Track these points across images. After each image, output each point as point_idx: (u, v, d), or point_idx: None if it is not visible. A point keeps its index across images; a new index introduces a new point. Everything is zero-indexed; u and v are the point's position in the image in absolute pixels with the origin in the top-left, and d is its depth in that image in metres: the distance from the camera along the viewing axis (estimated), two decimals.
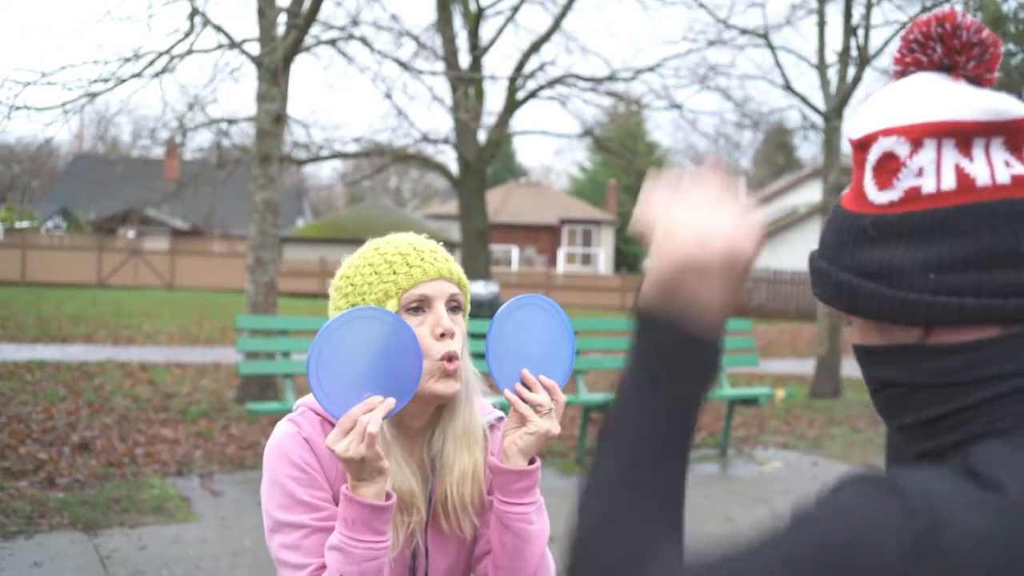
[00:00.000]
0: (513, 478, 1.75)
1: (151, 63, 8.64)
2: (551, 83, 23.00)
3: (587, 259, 44.30)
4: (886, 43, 11.25)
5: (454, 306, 1.79)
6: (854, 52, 11.43)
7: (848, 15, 11.32)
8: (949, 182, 0.91)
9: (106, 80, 8.18)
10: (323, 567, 1.66)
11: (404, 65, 12.20)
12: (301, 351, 7.30)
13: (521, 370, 1.77)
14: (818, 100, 12.60)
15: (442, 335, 1.73)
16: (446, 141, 22.70)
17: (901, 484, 0.84)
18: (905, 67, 0.99)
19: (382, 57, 11.20)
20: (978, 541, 0.80)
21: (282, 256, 33.30)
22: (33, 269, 31.36)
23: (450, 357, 1.72)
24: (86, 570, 5.03)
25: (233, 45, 8.86)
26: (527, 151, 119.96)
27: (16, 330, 16.56)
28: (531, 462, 1.77)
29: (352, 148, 20.84)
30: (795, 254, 35.32)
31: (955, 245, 0.89)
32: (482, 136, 23.50)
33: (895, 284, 0.92)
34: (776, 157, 53.83)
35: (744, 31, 13.23)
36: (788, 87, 12.09)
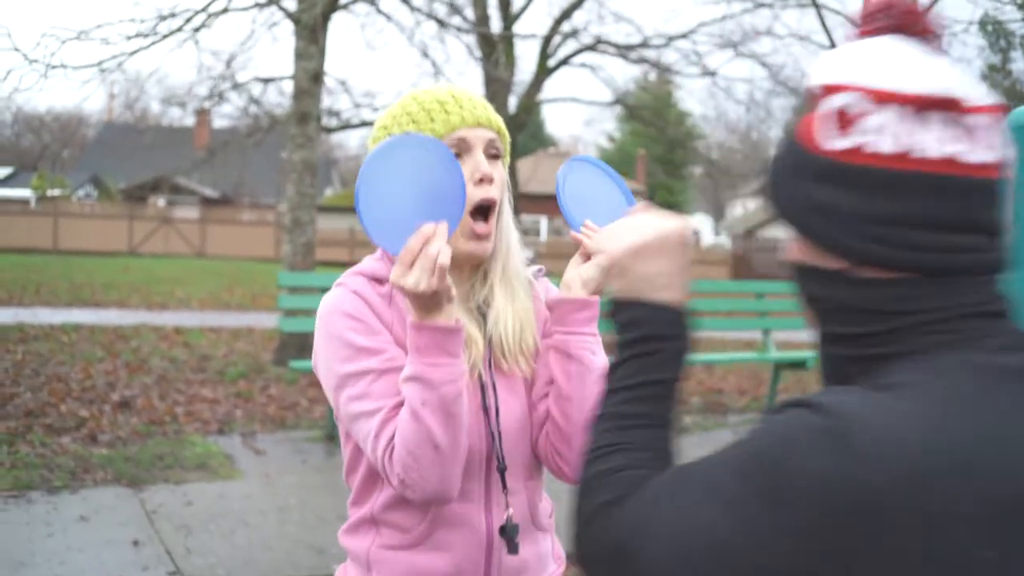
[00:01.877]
0: (575, 307, 1.74)
1: (188, 20, 8.53)
2: (583, 50, 22.75)
3: None
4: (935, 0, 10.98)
5: (493, 153, 1.75)
6: None
7: None
8: (897, 146, 1.02)
9: (144, 36, 8.08)
10: (397, 407, 1.61)
11: (441, 22, 12.02)
12: None
13: (585, 219, 1.82)
14: None
15: (480, 180, 1.69)
16: None
17: (821, 401, 0.99)
18: (869, 33, 1.10)
19: (419, 16, 11.02)
20: (887, 441, 0.93)
21: None
22: (65, 237, 31.53)
23: (484, 208, 1.70)
24: (132, 524, 4.98)
25: (270, 2, 8.73)
26: (556, 121, 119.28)
27: (50, 295, 16.61)
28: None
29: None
30: None
31: (893, 203, 1.02)
32: (512, 104, 23.31)
33: (834, 223, 1.05)
34: None
35: None
36: (834, 47, 11.82)
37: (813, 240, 1.09)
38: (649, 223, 1.27)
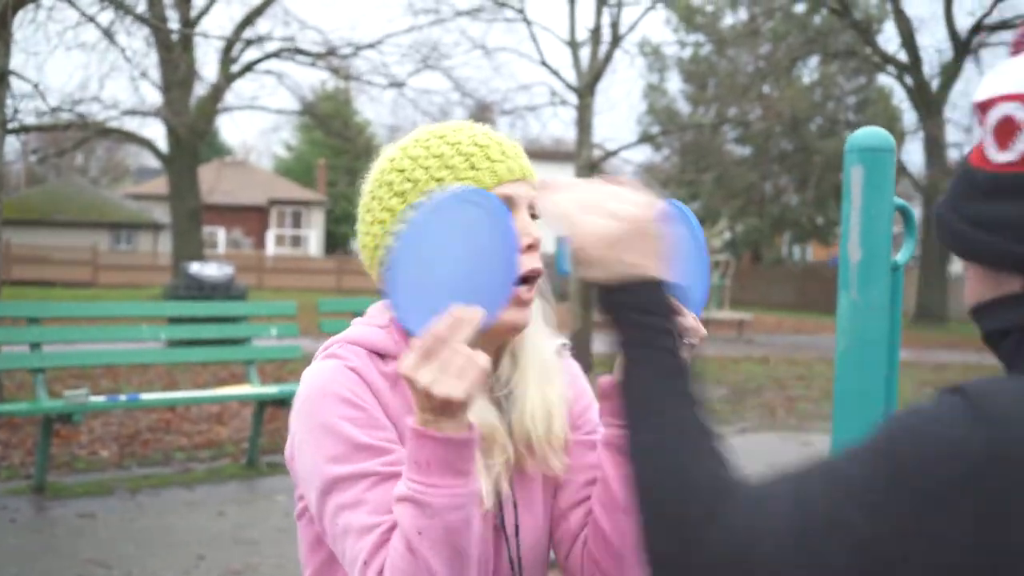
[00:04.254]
0: None
1: None
2: (268, 56, 22.09)
3: (297, 241, 43.27)
4: (636, 22, 11.58)
5: (532, 215, 1.45)
6: (607, 30, 11.67)
7: None
8: None
9: None
10: (396, 526, 1.27)
11: (142, 19, 11.05)
12: (54, 341, 6.39)
13: None
14: (556, 80, 12.70)
15: (529, 247, 1.40)
16: (156, 115, 21.17)
17: (976, 390, 0.93)
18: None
19: (105, 7, 10.07)
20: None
21: None
22: None
23: (529, 278, 1.40)
24: None
25: None
26: (230, 129, 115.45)
27: None
28: None
29: (47, 120, 18.92)
30: None
31: None
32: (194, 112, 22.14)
33: (1007, 237, 1.02)
34: None
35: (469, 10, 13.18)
36: (544, 63, 12.14)
37: (987, 262, 1.05)
38: (619, 203, 1.13)
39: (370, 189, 1.48)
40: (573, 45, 11.85)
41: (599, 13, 11.58)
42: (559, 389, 1.50)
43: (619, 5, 11.67)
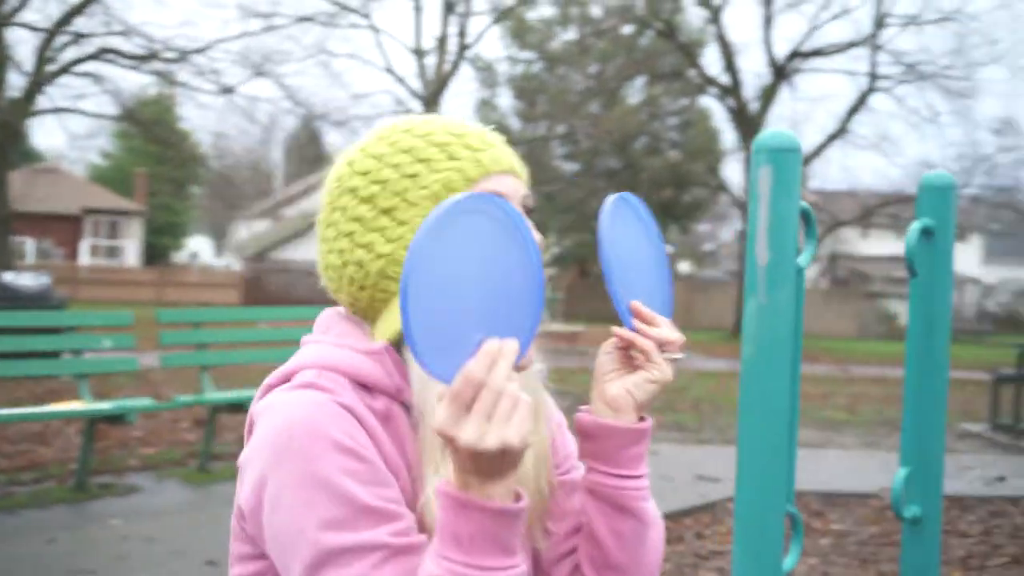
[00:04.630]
0: (630, 439, 1.25)
1: None
2: (87, 58, 21.12)
3: (113, 251, 41.39)
4: (482, 33, 11.60)
5: (527, 213, 1.23)
6: (453, 40, 11.66)
7: (448, 2, 11.47)
8: None
9: None
10: None
11: None
12: None
13: (631, 301, 1.27)
14: (401, 88, 12.55)
15: None
16: None
17: None
18: None
19: None
20: None
21: None
22: None
23: None
24: None
25: None
26: (50, 132, 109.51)
27: None
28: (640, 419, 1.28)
29: None
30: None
31: None
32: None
33: None
34: (308, 150, 53.97)
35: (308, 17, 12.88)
36: (390, 70, 11.99)
37: None
38: None
39: (329, 200, 1.25)
40: (419, 53, 11.76)
41: (446, 22, 11.54)
42: (545, 433, 1.28)
43: (466, 15, 11.67)
